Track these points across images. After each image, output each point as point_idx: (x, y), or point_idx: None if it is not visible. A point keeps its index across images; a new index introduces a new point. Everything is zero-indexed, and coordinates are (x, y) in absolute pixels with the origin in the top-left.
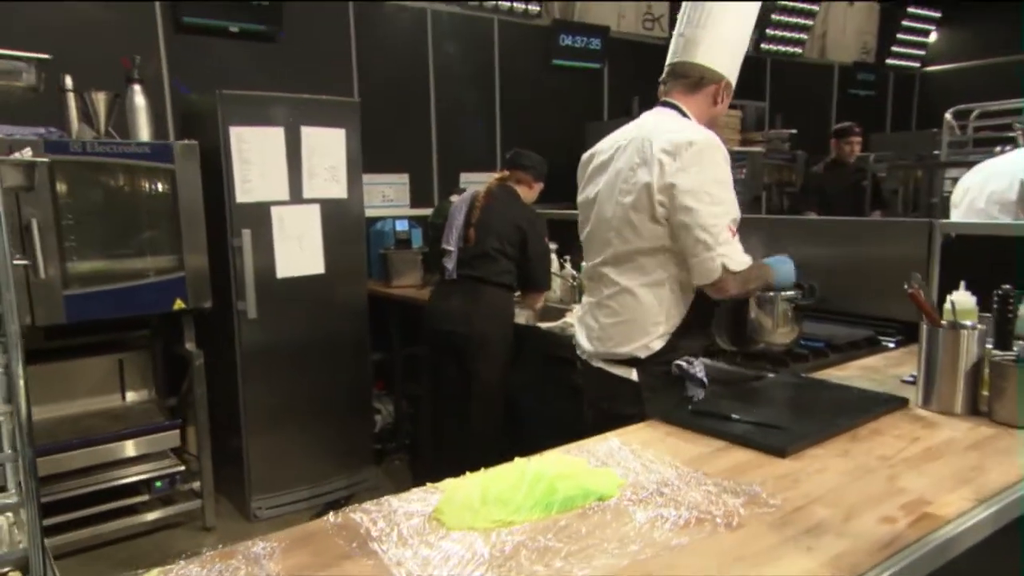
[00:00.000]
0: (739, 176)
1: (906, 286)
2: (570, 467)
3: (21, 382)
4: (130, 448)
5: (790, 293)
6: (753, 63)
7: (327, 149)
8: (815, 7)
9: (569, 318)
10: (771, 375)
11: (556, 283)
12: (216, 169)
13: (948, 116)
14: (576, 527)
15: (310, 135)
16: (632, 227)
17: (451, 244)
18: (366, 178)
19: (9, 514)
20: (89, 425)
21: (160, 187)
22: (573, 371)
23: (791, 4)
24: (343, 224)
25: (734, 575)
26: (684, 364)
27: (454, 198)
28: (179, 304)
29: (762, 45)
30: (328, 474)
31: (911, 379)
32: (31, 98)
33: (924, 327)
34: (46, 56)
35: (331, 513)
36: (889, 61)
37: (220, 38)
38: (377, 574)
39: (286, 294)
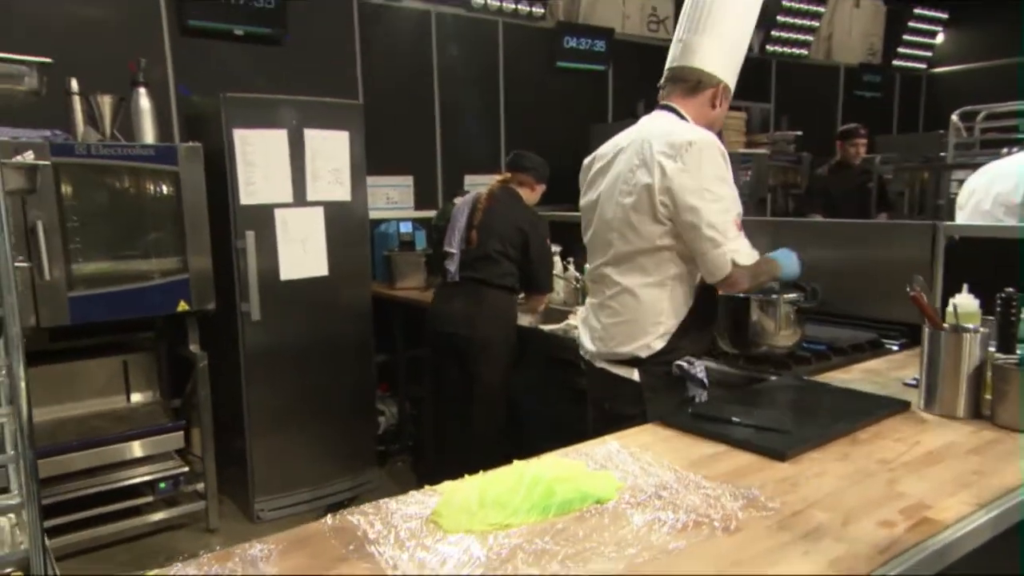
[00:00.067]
0: (744, 178)
1: (908, 289)
2: (568, 470)
3: (23, 384)
4: (134, 449)
5: (792, 296)
6: (758, 64)
7: (330, 151)
8: (821, 8)
9: (572, 320)
10: (773, 378)
11: (559, 285)
12: (220, 171)
13: (954, 118)
14: (573, 530)
15: (313, 137)
16: (633, 228)
17: (453, 246)
18: (370, 180)
19: (11, 515)
20: (94, 426)
21: (164, 189)
22: (576, 373)
23: (796, 6)
24: (347, 226)
25: None
26: (685, 364)
27: (457, 200)
28: (183, 306)
29: (767, 47)
30: (331, 476)
31: (913, 382)
32: (33, 101)
33: (926, 330)
34: (48, 60)
35: (329, 515)
36: (895, 63)
37: (225, 41)
38: None
39: (290, 296)
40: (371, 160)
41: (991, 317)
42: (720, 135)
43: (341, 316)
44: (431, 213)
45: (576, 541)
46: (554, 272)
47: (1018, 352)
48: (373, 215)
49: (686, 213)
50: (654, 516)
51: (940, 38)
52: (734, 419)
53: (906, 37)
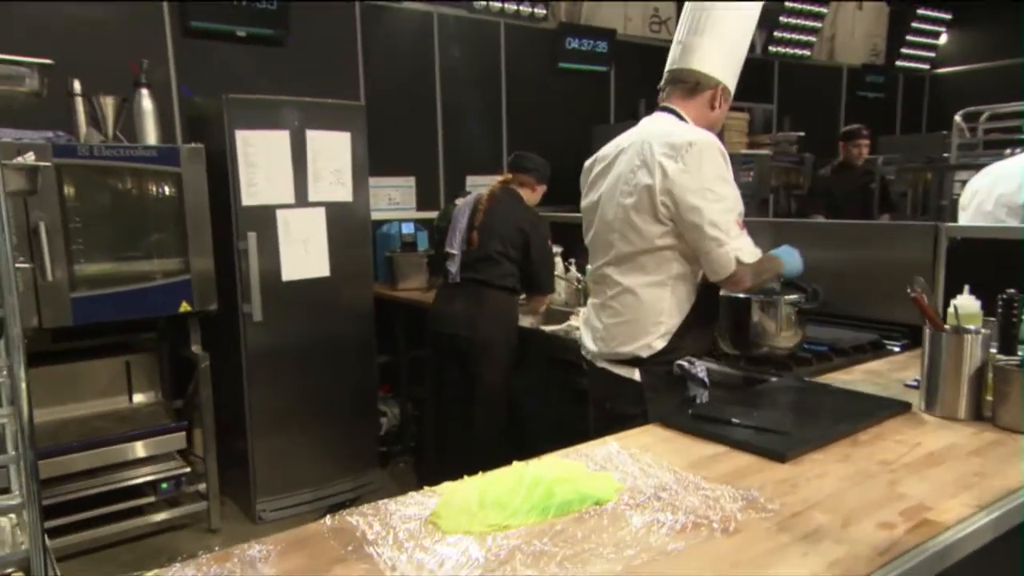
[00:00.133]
0: (746, 179)
1: (909, 290)
2: (568, 471)
3: (23, 384)
4: (137, 450)
5: (793, 297)
6: (761, 65)
7: (332, 152)
8: (823, 9)
9: (573, 321)
10: (774, 379)
11: (561, 286)
12: (222, 172)
13: (958, 118)
14: (572, 531)
15: (315, 138)
16: (634, 228)
17: (454, 247)
18: (372, 181)
19: (13, 515)
20: (96, 427)
21: (166, 190)
22: (577, 374)
23: (799, 6)
24: (348, 227)
25: None
26: (686, 364)
27: (458, 201)
28: (185, 307)
29: (770, 47)
30: (333, 476)
31: (915, 383)
32: (35, 103)
33: (927, 331)
34: (49, 61)
35: (327, 516)
36: (899, 63)
37: (227, 42)
38: None
39: (291, 297)
40: (373, 161)
41: (993, 318)
42: (722, 136)
43: (343, 317)
44: (433, 214)
45: (575, 542)
46: (555, 273)
47: (1019, 353)
48: (375, 216)
49: (688, 213)
50: (653, 517)
51: (943, 39)
52: (734, 420)
53: (909, 38)
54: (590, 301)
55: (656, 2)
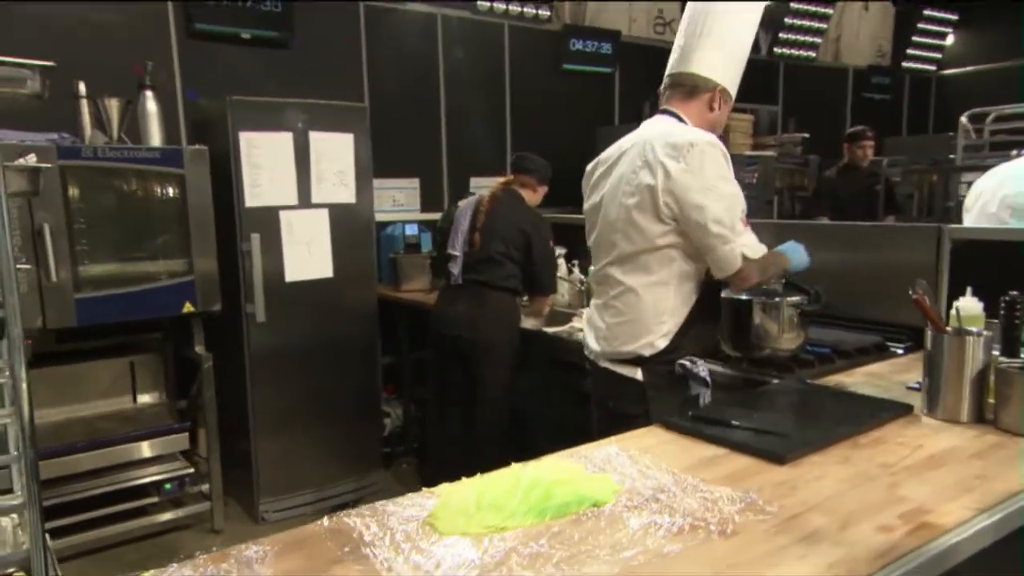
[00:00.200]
0: (751, 180)
1: (911, 292)
2: (566, 473)
3: (24, 385)
4: (141, 450)
5: (795, 299)
6: (766, 67)
7: (335, 154)
8: (829, 10)
9: (576, 322)
10: (775, 381)
11: (563, 287)
12: (226, 174)
13: (964, 120)
14: (569, 533)
15: (319, 140)
16: (636, 227)
17: (456, 249)
18: (376, 182)
19: (14, 515)
20: (100, 427)
21: (171, 192)
22: (579, 375)
23: (804, 7)
24: (352, 228)
25: None
26: (687, 364)
27: (460, 203)
28: (188, 307)
29: (775, 49)
30: (336, 477)
31: (916, 386)
32: (38, 105)
33: (929, 333)
34: (50, 63)
35: (325, 517)
36: (905, 64)
37: (232, 44)
38: None
39: (295, 298)
40: (377, 163)
41: (995, 320)
42: (726, 137)
43: (346, 318)
44: (437, 215)
45: (571, 544)
46: (558, 274)
47: (1022, 356)
48: (379, 217)
49: (692, 212)
50: (651, 519)
51: (950, 40)
52: (734, 422)
53: (915, 39)
54: (593, 301)
55: (661, 3)
